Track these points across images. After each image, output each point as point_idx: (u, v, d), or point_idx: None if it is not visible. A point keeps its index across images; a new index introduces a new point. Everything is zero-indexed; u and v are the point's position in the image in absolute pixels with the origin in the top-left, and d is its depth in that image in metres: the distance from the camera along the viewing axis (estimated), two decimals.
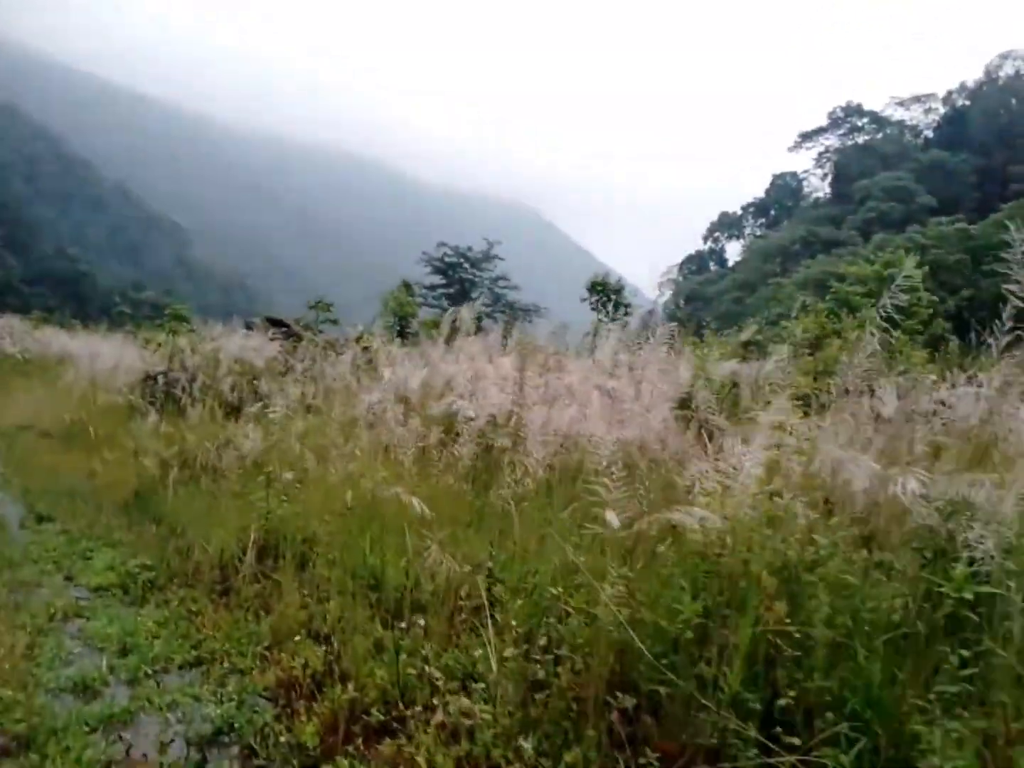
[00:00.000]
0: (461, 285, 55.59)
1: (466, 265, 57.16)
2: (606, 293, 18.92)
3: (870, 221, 69.30)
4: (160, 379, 8.55)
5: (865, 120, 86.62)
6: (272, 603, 4.52)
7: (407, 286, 27.24)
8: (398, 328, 17.09)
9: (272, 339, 10.05)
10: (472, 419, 4.99)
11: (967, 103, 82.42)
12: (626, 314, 17.44)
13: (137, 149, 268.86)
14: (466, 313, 7.25)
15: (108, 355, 12.21)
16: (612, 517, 2.96)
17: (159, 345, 11.95)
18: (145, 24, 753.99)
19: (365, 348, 8.90)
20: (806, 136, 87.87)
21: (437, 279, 55.80)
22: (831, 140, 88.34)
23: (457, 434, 5.09)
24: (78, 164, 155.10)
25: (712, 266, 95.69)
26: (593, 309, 19.37)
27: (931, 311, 17.59)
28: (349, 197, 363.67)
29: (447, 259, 56.68)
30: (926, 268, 17.28)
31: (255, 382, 7.65)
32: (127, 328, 21.02)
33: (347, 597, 4.22)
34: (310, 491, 5.39)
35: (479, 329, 10.15)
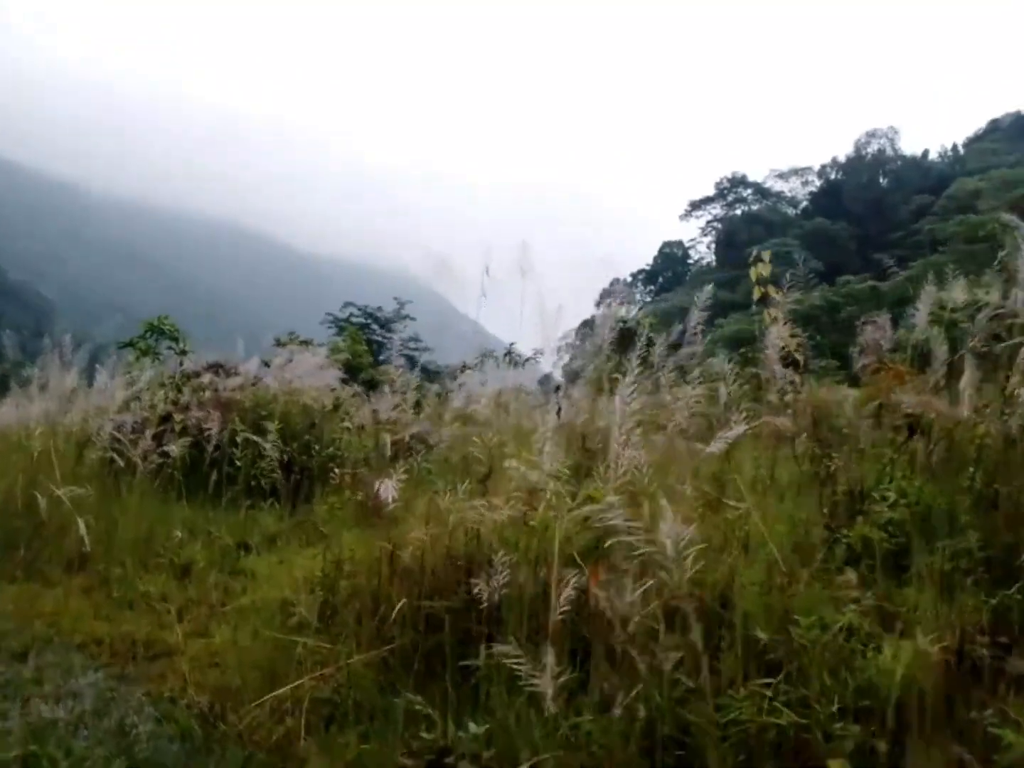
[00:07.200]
0: (370, 347, 53.16)
1: (375, 327, 54.83)
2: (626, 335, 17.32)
3: (763, 284, 71.98)
4: (174, 424, 5.62)
5: (749, 191, 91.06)
6: None
7: (355, 335, 25.18)
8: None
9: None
10: None
11: (840, 176, 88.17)
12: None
13: None
14: None
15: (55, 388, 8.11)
16: None
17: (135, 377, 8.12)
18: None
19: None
20: (695, 205, 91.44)
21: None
22: (717, 210, 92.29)
23: None
24: None
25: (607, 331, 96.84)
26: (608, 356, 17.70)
27: None
28: (231, 268, 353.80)
29: (354, 320, 54.20)
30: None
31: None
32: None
33: None
34: None
35: None
